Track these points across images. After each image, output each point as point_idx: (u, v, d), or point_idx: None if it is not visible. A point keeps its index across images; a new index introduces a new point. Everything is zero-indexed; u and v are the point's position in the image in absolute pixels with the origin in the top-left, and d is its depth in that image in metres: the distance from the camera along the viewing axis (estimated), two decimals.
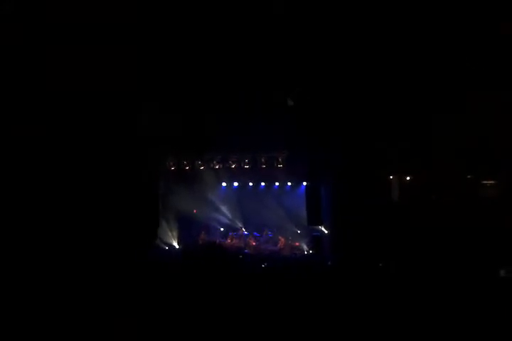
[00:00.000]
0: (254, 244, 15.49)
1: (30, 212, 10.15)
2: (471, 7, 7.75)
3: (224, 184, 15.86)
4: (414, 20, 8.46)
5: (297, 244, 15.29)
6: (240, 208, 15.68)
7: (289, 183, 15.65)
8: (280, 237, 15.40)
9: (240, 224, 15.84)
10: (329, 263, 13.18)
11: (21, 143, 9.45)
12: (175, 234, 15.01)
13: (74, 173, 10.96)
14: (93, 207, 11.46)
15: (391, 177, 13.20)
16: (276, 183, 15.76)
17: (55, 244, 9.78)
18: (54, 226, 10.33)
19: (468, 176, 12.07)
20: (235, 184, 15.89)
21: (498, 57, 8.79)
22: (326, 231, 14.65)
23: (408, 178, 13.24)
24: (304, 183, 15.11)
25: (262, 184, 15.88)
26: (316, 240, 14.74)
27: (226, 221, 15.86)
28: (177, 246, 14.96)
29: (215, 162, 15.18)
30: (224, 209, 15.76)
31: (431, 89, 9.85)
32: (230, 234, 15.78)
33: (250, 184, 15.89)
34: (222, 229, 15.90)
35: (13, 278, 7.31)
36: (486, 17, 7.93)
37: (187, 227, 14.98)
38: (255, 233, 15.77)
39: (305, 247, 15.05)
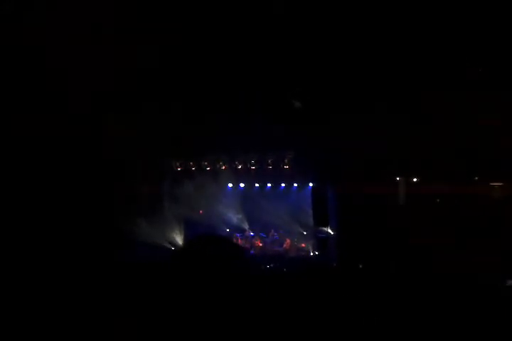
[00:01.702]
0: (260, 245, 15.47)
1: (30, 211, 10.24)
2: (470, 7, 7.67)
3: (230, 185, 15.85)
4: (415, 21, 8.38)
5: (303, 245, 15.23)
6: (246, 209, 15.57)
7: (296, 184, 15.59)
8: (286, 238, 15.35)
9: (246, 225, 15.78)
10: (335, 264, 13.14)
11: (21, 143, 9.55)
12: (181, 234, 15.02)
13: (73, 173, 11.04)
14: (95, 207, 11.53)
15: (397, 177, 13.13)
16: (283, 184, 15.74)
17: (54, 244, 9.86)
18: (54, 225, 10.40)
19: (475, 177, 11.97)
20: (241, 185, 15.88)
21: (497, 57, 8.70)
22: (332, 233, 14.56)
23: (415, 180, 13.17)
24: (311, 184, 15.06)
25: (269, 185, 15.85)
26: (322, 241, 14.68)
27: (232, 222, 15.82)
28: None
29: (221, 163, 15.19)
30: (230, 210, 15.70)
31: (431, 89, 9.79)
32: (237, 235, 15.76)
33: (256, 185, 15.87)
34: (228, 230, 15.85)
35: (8, 278, 7.35)
36: (485, 17, 7.85)
37: (193, 228, 14.96)
38: (261, 234, 15.73)
39: (311, 248, 14.98)
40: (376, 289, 8.02)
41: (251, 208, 15.39)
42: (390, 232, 12.14)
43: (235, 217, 15.74)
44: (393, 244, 11.89)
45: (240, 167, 15.18)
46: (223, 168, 15.26)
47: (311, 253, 14.96)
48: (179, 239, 15.01)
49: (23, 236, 9.61)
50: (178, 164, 15.25)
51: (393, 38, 9.06)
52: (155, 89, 10.28)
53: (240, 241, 15.57)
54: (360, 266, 11.47)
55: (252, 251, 15.13)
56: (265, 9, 8.63)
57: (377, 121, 10.65)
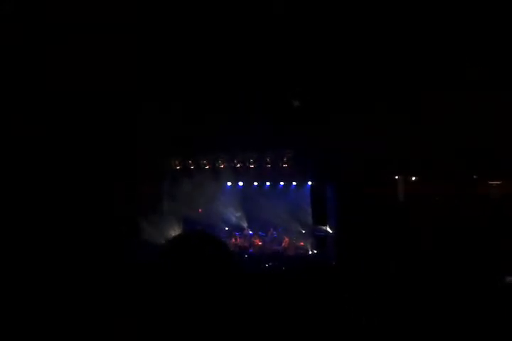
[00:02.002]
0: (259, 243, 15.46)
1: (30, 211, 10.23)
2: (470, 6, 7.67)
3: (229, 183, 15.83)
4: (415, 21, 8.37)
5: (302, 243, 15.24)
6: (245, 208, 15.56)
7: (295, 183, 15.58)
8: (285, 237, 15.35)
9: (244, 224, 15.77)
10: (334, 263, 13.16)
11: (21, 143, 9.54)
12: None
13: (73, 173, 11.03)
14: (93, 207, 11.53)
15: (396, 177, 13.15)
16: (282, 183, 15.72)
17: (54, 243, 9.85)
18: (54, 225, 10.39)
19: (474, 176, 12.00)
20: (240, 183, 15.85)
21: (497, 57, 8.71)
22: (330, 231, 14.57)
23: (414, 178, 13.19)
24: (310, 183, 15.06)
25: (267, 183, 15.84)
26: (320, 240, 14.69)
27: (231, 220, 15.81)
28: None
29: (220, 161, 15.16)
30: (229, 208, 15.68)
31: (431, 89, 9.80)
32: (236, 233, 15.75)
33: (255, 183, 15.85)
34: (227, 229, 15.85)
35: (9, 278, 7.35)
36: (485, 17, 7.85)
37: (192, 227, 14.93)
38: (260, 232, 15.72)
39: (309, 247, 14.99)
40: (375, 288, 8.05)
41: (250, 207, 15.37)
42: (390, 231, 12.16)
43: (233, 215, 15.73)
44: (392, 244, 11.91)
45: (238, 165, 15.15)
46: (222, 166, 15.23)
47: (310, 252, 14.97)
48: None
49: (23, 236, 9.60)
50: (177, 163, 15.22)
51: (393, 37, 9.06)
52: (155, 89, 10.26)
53: (238, 239, 15.58)
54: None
55: (250, 250, 15.13)
56: (265, 9, 8.62)
57: (377, 121, 10.65)
